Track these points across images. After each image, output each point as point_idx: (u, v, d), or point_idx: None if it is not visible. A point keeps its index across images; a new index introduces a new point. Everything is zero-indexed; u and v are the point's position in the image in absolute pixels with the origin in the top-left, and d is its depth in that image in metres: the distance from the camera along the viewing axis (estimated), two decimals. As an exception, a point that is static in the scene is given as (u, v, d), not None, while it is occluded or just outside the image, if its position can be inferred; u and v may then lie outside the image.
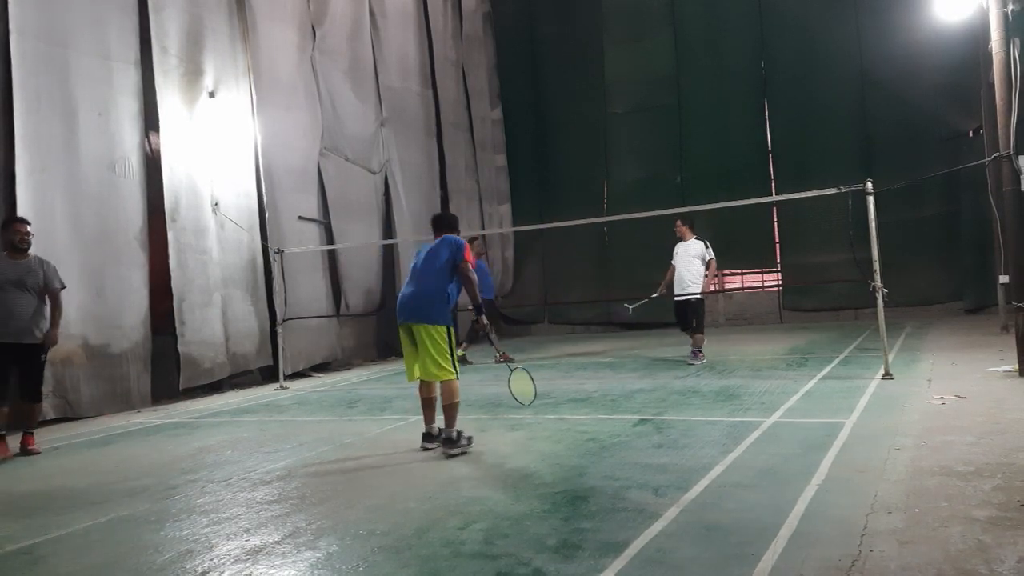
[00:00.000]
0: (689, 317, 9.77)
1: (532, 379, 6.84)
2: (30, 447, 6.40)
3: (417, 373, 5.50)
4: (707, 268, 9.70)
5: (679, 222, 9.99)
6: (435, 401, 5.57)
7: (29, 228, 6.47)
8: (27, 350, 6.35)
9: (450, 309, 5.53)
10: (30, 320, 6.32)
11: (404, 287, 5.70)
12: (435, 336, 5.37)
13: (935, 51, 13.67)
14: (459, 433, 5.35)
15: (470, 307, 5.86)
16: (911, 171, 11.54)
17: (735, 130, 16.00)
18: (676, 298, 9.75)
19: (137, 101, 9.38)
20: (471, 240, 12.12)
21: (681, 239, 9.93)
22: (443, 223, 5.91)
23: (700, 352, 9.74)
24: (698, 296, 9.70)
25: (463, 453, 5.27)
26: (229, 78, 10.79)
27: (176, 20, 9.95)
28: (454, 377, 5.40)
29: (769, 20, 15.77)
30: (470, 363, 11.36)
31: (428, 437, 5.54)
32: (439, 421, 5.52)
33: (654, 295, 10.19)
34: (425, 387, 5.58)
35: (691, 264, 9.63)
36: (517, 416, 6.57)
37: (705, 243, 9.75)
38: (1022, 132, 7.27)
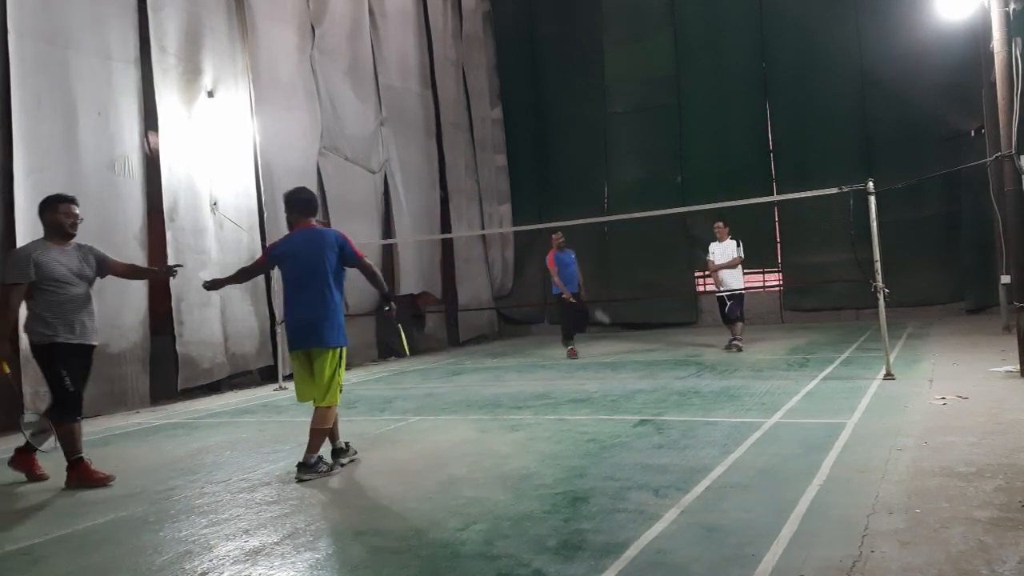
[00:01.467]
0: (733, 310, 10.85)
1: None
2: (97, 475, 5.08)
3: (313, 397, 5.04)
4: (731, 259, 10.81)
5: (721, 224, 10.89)
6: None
7: (78, 210, 5.32)
8: (90, 352, 5.32)
9: (343, 322, 5.06)
10: (95, 316, 5.33)
11: (291, 304, 5.08)
12: (334, 360, 4.96)
13: (936, 51, 13.64)
14: (319, 459, 4.90)
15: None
16: (912, 171, 11.53)
17: (735, 130, 15.98)
18: (718, 294, 10.92)
19: (136, 100, 9.36)
20: (553, 232, 11.61)
21: (720, 240, 10.84)
22: (312, 206, 5.21)
23: (740, 339, 10.85)
24: (739, 291, 10.81)
25: (319, 477, 4.83)
26: (228, 77, 10.77)
27: (175, 19, 9.93)
28: (336, 403, 5.02)
29: (769, 20, 15.75)
30: (577, 356, 11.27)
31: (340, 453, 5.17)
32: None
33: (718, 294, 10.98)
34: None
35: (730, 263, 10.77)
36: (517, 417, 6.57)
37: (737, 242, 10.71)
38: (1024, 132, 7.28)
